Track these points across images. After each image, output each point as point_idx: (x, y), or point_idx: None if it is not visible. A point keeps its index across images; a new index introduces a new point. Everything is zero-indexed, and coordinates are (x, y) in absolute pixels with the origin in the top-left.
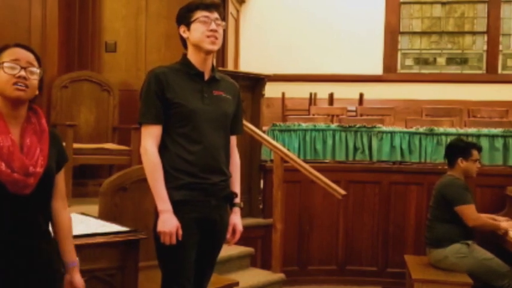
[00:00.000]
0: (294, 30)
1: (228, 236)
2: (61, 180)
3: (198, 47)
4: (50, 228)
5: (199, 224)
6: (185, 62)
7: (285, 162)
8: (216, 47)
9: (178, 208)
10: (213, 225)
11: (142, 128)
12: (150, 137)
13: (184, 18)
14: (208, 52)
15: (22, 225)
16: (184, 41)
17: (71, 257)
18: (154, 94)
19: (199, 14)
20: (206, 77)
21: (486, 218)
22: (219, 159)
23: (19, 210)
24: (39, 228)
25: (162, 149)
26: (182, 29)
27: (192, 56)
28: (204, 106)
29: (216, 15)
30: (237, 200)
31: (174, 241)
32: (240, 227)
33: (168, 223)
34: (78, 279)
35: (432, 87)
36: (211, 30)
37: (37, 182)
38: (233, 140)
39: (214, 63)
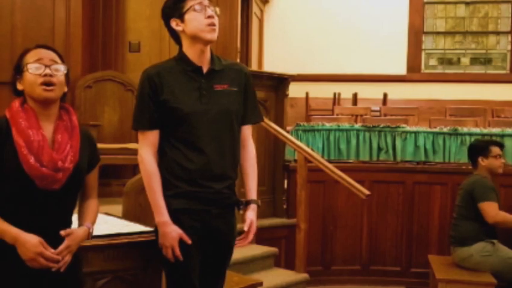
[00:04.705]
0: (318, 30)
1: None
2: (92, 179)
3: (196, 39)
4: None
5: (200, 233)
6: (181, 57)
7: (309, 162)
8: (216, 36)
9: (176, 217)
10: (217, 234)
11: (138, 135)
12: (145, 144)
13: (174, 10)
14: (207, 42)
15: (50, 223)
16: (176, 36)
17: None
18: (148, 97)
19: (192, 2)
20: (204, 70)
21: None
22: (222, 163)
23: (47, 207)
24: (65, 227)
25: (161, 154)
26: (174, 22)
27: (189, 50)
28: (202, 106)
29: (207, 0)
30: (253, 195)
31: (178, 253)
32: (253, 225)
33: (168, 236)
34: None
35: (456, 87)
36: (209, 17)
37: (66, 178)
38: (247, 130)
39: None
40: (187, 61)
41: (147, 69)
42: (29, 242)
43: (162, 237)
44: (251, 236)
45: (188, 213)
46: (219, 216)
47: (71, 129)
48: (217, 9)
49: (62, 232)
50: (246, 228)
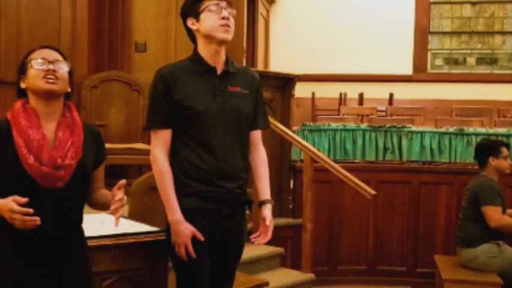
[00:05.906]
0: (324, 30)
1: (258, 232)
2: (100, 175)
3: (209, 38)
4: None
5: (211, 233)
6: (195, 57)
7: (315, 162)
8: (229, 36)
9: (188, 216)
10: (228, 234)
11: (151, 134)
12: (158, 143)
13: (191, 9)
14: (221, 42)
15: (58, 221)
16: (192, 36)
17: None
18: (161, 96)
19: (208, 3)
20: (219, 71)
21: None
22: (233, 163)
23: (53, 206)
24: (71, 229)
25: (173, 153)
26: (190, 21)
27: (203, 50)
28: (215, 106)
29: (225, 3)
30: (267, 195)
31: (191, 250)
32: (272, 222)
33: (182, 234)
34: None
35: (462, 87)
36: (224, 18)
37: (70, 175)
38: (257, 134)
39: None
40: (201, 61)
41: (160, 69)
42: (2, 202)
43: (175, 235)
44: (270, 233)
45: (200, 213)
46: (231, 216)
47: (72, 126)
48: (234, 11)
49: (123, 181)
50: (268, 223)
